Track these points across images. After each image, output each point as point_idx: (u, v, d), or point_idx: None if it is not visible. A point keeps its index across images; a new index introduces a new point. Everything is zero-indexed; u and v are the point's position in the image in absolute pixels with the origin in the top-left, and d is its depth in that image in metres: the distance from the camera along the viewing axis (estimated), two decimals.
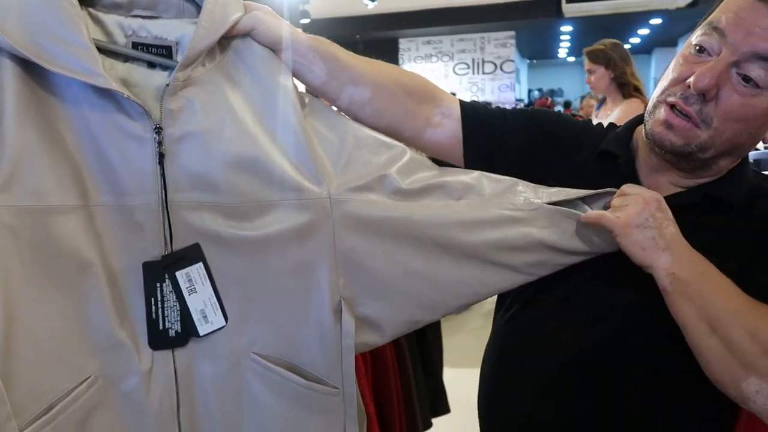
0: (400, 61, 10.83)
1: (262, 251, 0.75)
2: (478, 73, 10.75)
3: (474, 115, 0.91)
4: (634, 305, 0.83)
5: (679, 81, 0.79)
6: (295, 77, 0.81)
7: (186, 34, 0.75)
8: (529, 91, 15.98)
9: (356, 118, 0.86)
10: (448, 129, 0.89)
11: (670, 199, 0.80)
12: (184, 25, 0.75)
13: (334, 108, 0.86)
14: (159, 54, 0.75)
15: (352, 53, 0.86)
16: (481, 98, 9.80)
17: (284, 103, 0.76)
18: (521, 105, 9.54)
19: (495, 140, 0.91)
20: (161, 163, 0.71)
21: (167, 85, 0.71)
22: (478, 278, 0.83)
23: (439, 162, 0.88)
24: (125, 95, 0.67)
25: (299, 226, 0.76)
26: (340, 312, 0.79)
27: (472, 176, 0.86)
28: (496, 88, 10.63)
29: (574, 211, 0.84)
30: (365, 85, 0.84)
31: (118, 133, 0.69)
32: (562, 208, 0.84)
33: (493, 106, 0.98)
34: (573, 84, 17.20)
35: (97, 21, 0.73)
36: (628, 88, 3.02)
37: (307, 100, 0.81)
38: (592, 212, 0.82)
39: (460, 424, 2.52)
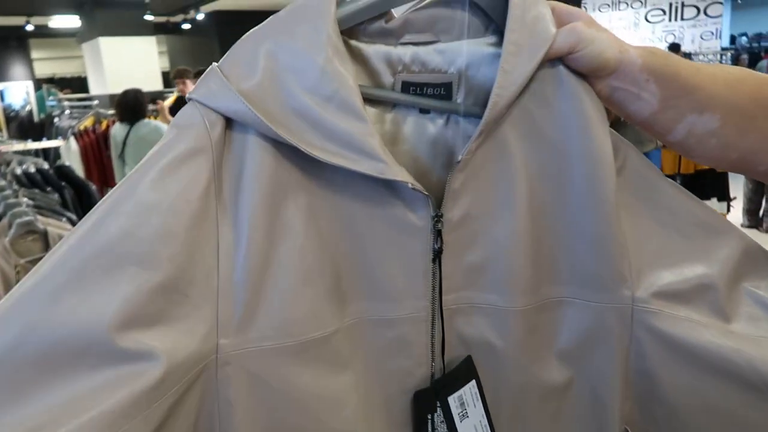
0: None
1: (538, 362, 0.58)
2: (675, 19, 9.27)
3: None
4: None
5: None
6: (612, 108, 0.57)
7: (472, 62, 0.53)
8: (732, 37, 13.80)
9: (691, 153, 0.60)
10: None
11: None
12: (469, 47, 0.53)
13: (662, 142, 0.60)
14: (435, 95, 0.54)
15: (696, 64, 0.59)
16: None
17: (594, 169, 0.52)
18: (728, 55, 8.23)
19: None
20: (436, 259, 0.52)
21: (457, 162, 0.50)
22: None
23: None
24: (410, 185, 0.48)
25: (588, 334, 0.57)
26: None
27: None
28: (697, 36, 9.16)
29: None
30: (713, 111, 0.57)
31: (385, 223, 0.51)
32: None
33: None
34: None
35: (358, 58, 0.53)
36: None
37: (622, 147, 0.56)
38: None
39: None
